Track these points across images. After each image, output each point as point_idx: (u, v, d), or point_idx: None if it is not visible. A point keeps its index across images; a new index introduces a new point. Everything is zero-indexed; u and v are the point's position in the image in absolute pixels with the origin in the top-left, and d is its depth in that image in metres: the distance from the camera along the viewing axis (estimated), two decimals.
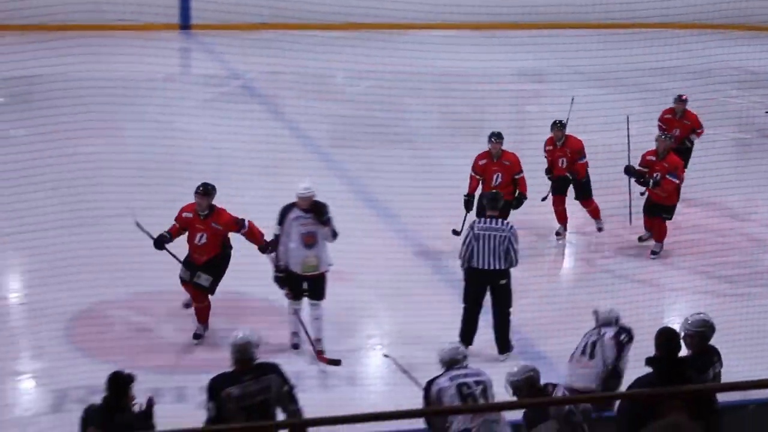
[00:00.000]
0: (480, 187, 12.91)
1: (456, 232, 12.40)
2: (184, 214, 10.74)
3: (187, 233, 10.72)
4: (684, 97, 15.05)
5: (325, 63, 19.62)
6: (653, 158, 13.18)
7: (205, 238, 10.64)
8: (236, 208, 11.21)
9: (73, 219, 12.17)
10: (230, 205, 11.24)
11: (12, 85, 17.98)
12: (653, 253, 13.29)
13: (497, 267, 10.31)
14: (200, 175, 12.27)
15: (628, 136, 13.98)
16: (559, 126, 13.56)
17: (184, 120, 16.86)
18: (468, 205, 12.80)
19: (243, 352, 7.48)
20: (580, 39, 18.95)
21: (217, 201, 10.97)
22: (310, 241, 10.36)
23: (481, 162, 13.00)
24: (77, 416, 7.32)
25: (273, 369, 7.66)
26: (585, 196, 13.76)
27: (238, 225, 10.75)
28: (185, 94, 18.64)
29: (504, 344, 10.57)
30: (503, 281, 10.45)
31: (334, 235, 10.49)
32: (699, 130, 14.97)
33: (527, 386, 7.51)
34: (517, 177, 12.96)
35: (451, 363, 8.14)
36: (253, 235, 10.77)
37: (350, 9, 20.15)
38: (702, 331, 7.75)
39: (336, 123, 18.62)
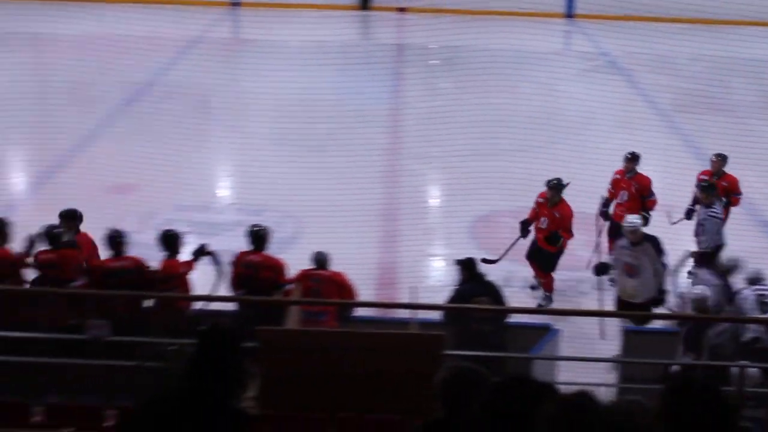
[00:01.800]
0: None
1: None
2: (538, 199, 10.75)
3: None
4: None
5: (672, 47, 20.18)
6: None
7: (545, 223, 10.58)
8: (598, 157, 12.20)
9: (480, 149, 14.10)
10: (595, 154, 12.46)
11: (444, 52, 20.67)
12: None
13: None
14: (570, 126, 14.28)
15: None
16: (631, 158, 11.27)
17: (564, 84, 18.63)
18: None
19: None
20: None
21: (584, 148, 12.46)
22: (630, 272, 9.47)
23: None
24: None
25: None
26: None
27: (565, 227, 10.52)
28: (565, 65, 20.43)
29: None
30: None
31: (658, 274, 9.43)
32: None
33: None
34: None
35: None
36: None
37: (696, 6, 21.02)
38: None
39: (676, 93, 18.86)
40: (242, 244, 8.96)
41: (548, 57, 20.79)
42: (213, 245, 9.11)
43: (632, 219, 9.67)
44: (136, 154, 13.24)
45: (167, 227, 9.19)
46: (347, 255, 9.21)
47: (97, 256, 9.16)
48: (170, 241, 8.78)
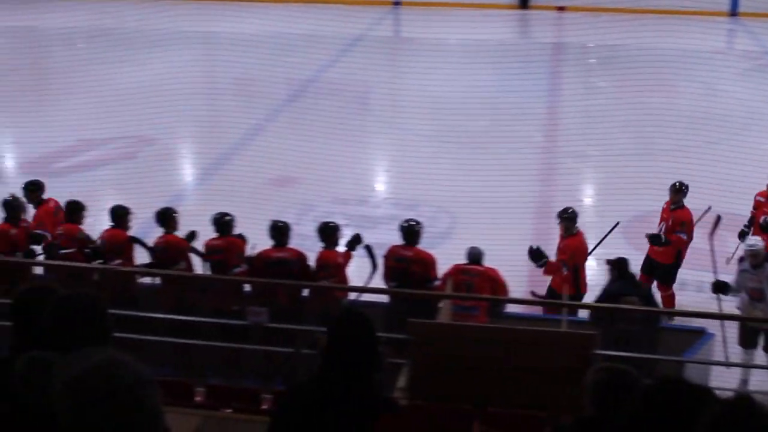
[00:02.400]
0: None
1: None
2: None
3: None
4: None
5: None
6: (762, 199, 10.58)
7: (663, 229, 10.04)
8: (759, 158, 11.78)
9: (637, 148, 13.92)
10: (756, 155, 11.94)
11: (602, 50, 20.39)
12: None
13: None
14: (731, 126, 13.81)
15: None
16: None
17: (725, 84, 17.92)
18: None
19: None
20: None
21: (744, 149, 11.86)
22: (755, 296, 8.77)
23: None
24: None
25: None
26: None
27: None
28: (728, 64, 19.74)
29: None
30: None
31: None
32: None
33: None
34: None
35: None
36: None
37: None
38: None
39: None
40: (396, 238, 9.04)
41: (710, 56, 20.01)
42: (368, 238, 9.22)
43: (753, 241, 9.12)
44: (297, 149, 13.53)
45: (325, 219, 9.36)
46: (500, 251, 9.15)
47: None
48: (328, 232, 8.95)
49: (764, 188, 10.60)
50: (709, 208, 10.21)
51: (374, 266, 8.92)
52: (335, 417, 3.72)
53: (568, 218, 9.48)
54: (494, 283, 8.65)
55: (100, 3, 24.59)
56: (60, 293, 3.27)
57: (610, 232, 9.89)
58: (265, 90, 17.07)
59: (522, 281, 9.95)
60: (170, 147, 16.02)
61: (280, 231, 8.92)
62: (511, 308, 9.03)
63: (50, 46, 24.88)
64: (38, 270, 9.34)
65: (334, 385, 3.80)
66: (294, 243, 9.06)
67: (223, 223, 9.10)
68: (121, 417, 2.13)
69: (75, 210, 9.45)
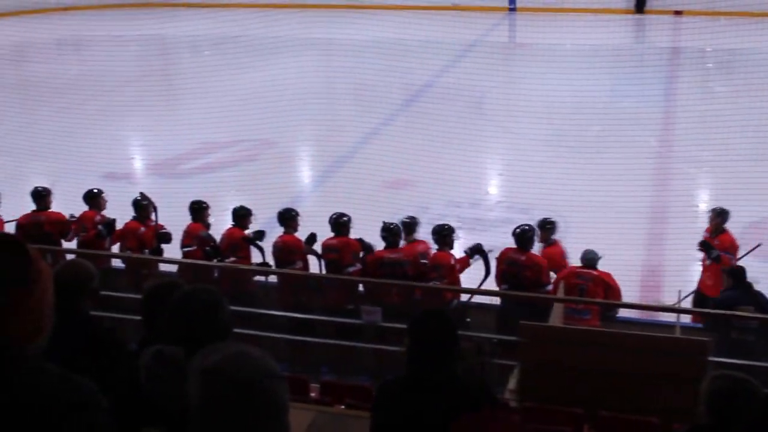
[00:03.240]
0: None
1: None
2: None
3: None
4: None
5: None
6: None
7: None
8: None
9: (755, 154, 13.43)
10: None
11: (720, 54, 19.81)
12: None
13: None
14: None
15: None
16: None
17: None
18: None
19: None
20: None
21: None
22: None
23: None
24: None
25: None
26: None
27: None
28: None
29: None
30: None
31: None
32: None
33: None
34: None
35: None
36: None
37: None
38: None
39: None
40: (508, 241, 8.96)
41: None
42: (480, 241, 9.16)
43: None
44: (412, 152, 13.55)
45: (439, 222, 9.34)
46: (612, 255, 8.98)
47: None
48: (442, 234, 8.93)
49: None
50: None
51: (488, 270, 8.86)
52: (426, 411, 3.69)
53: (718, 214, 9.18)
54: (608, 287, 8.49)
55: (225, 11, 25.15)
56: (182, 289, 3.33)
57: (750, 251, 9.43)
58: (381, 95, 17.16)
59: (634, 285, 9.74)
60: (290, 150, 16.26)
61: (392, 232, 8.97)
62: (623, 313, 8.85)
63: (177, 53, 25.63)
64: (165, 267, 9.60)
65: (419, 381, 3.80)
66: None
67: (339, 223, 9.18)
68: (252, 408, 2.16)
69: (198, 210, 9.68)
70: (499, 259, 8.87)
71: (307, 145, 17.02)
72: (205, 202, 9.76)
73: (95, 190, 10.29)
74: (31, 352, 2.26)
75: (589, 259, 8.65)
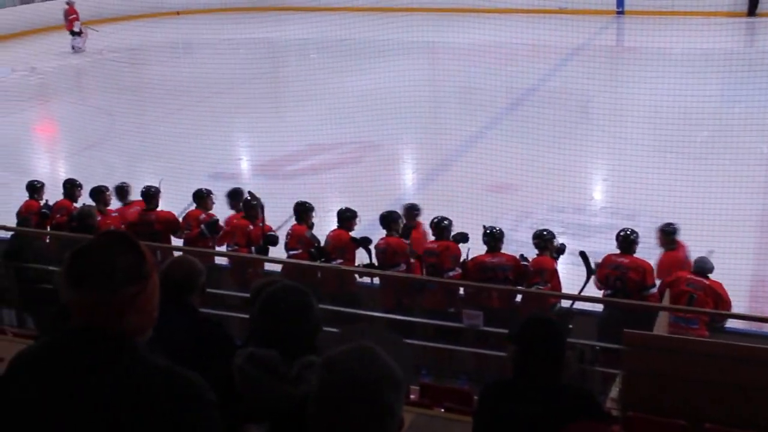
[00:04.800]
0: None
1: None
2: None
3: None
4: None
5: None
6: None
7: None
8: None
9: None
10: None
11: None
12: None
13: None
14: None
15: None
16: None
17: None
18: None
19: None
20: None
21: None
22: None
23: None
24: None
25: None
26: None
27: None
28: None
29: None
30: None
31: None
32: None
33: None
34: None
35: None
36: None
37: None
38: None
39: None
40: (611, 248, 8.81)
41: None
42: (584, 247, 9.03)
43: None
44: (516, 156, 13.45)
45: (541, 227, 9.25)
46: (721, 264, 8.73)
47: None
48: (543, 239, 8.85)
49: None
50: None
51: (589, 273, 8.73)
52: (533, 419, 3.67)
53: None
54: (718, 298, 8.26)
55: (331, 15, 25.39)
56: (268, 289, 3.30)
57: None
58: (486, 98, 17.08)
59: (743, 296, 9.46)
60: (394, 152, 16.31)
61: (493, 237, 8.92)
62: (731, 323, 8.59)
63: (285, 56, 25.99)
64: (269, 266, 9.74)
65: (526, 388, 3.78)
66: (510, 249, 9.03)
67: (440, 227, 9.18)
68: (362, 408, 2.18)
69: (303, 211, 9.81)
70: (601, 264, 8.71)
71: (410, 148, 17.05)
72: (310, 204, 9.88)
73: (204, 190, 10.56)
74: (141, 344, 2.35)
75: (702, 267, 8.43)
